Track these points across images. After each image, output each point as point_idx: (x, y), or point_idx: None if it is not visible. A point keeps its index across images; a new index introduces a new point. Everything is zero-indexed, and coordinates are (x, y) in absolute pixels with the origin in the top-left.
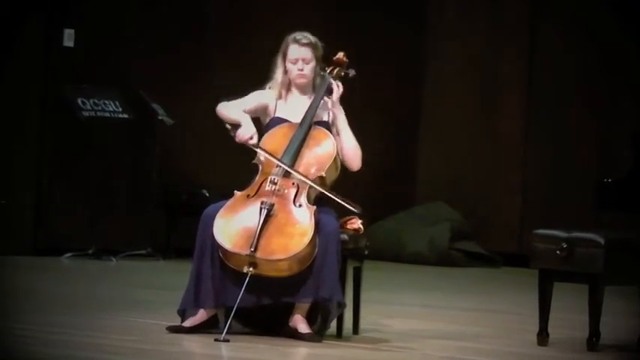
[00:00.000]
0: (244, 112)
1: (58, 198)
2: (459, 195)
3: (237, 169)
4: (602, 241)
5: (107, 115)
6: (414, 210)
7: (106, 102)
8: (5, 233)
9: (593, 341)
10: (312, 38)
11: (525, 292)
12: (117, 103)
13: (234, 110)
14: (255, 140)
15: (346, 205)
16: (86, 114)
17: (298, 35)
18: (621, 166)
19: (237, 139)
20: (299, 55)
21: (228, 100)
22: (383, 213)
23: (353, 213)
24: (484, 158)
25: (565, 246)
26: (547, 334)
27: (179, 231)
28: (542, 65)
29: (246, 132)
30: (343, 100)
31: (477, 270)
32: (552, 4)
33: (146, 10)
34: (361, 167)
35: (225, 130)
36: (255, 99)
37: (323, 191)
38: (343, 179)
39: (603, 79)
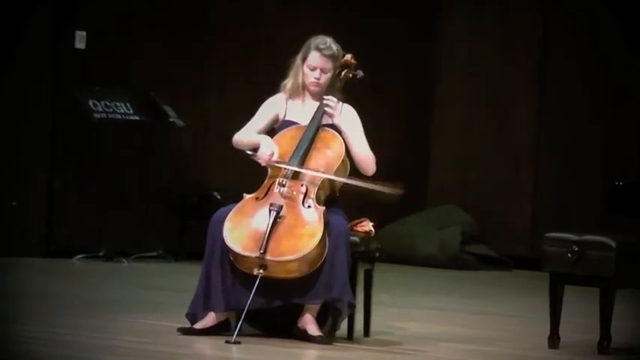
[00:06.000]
0: (259, 131)
1: (70, 200)
2: (470, 198)
3: (248, 171)
4: (613, 244)
5: (118, 116)
6: (425, 213)
7: (118, 104)
8: (16, 235)
9: (604, 345)
10: (335, 48)
11: (536, 295)
12: (128, 105)
13: (247, 135)
14: (276, 156)
15: (385, 190)
16: (97, 116)
17: (322, 44)
18: (632, 171)
19: (261, 162)
20: (318, 65)
21: (239, 129)
22: (395, 216)
23: (394, 195)
24: (495, 162)
25: (576, 249)
26: (558, 338)
27: (191, 233)
28: (552, 70)
29: (267, 150)
30: (356, 104)
31: (488, 273)
32: (563, 11)
33: (157, 13)
34: (375, 171)
35: (247, 156)
36: (263, 115)
37: (348, 181)
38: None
39: (613, 85)
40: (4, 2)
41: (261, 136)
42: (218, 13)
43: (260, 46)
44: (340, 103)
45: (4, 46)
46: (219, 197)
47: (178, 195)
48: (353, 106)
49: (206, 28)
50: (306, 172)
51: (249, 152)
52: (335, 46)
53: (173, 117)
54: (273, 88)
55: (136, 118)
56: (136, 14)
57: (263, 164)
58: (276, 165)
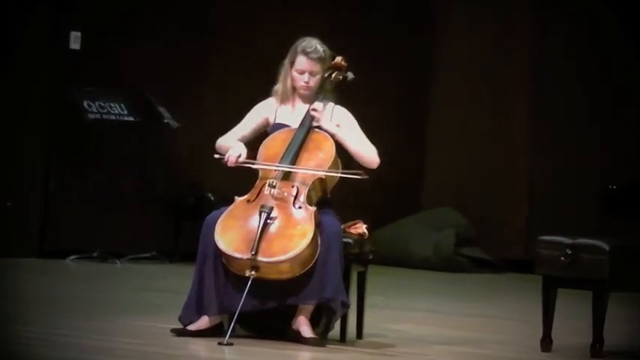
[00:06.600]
0: (243, 136)
1: (64, 200)
2: (465, 201)
3: (245, 172)
4: (606, 247)
5: (113, 117)
6: (419, 215)
7: (112, 105)
8: (11, 235)
9: (596, 348)
10: (321, 49)
11: (530, 298)
12: (123, 105)
13: (227, 140)
14: (244, 157)
15: (349, 175)
16: (92, 116)
17: (308, 48)
18: (628, 173)
19: (228, 164)
20: (306, 68)
21: (225, 133)
22: (389, 218)
23: (359, 179)
24: (491, 164)
25: (569, 252)
26: (551, 341)
27: (185, 234)
28: (548, 72)
29: (234, 152)
30: (353, 105)
31: (482, 276)
32: (563, 11)
33: (153, 14)
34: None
35: (218, 161)
36: (251, 121)
37: (323, 173)
38: (351, 184)
39: (609, 86)
40: (3, 2)
41: (233, 142)
42: (218, 13)
43: (260, 46)
44: (332, 105)
45: (3, 47)
46: (212, 199)
47: (174, 196)
48: (351, 106)
49: (206, 28)
50: (278, 169)
51: (217, 156)
52: (321, 48)
53: (167, 118)
54: (272, 89)
55: (131, 119)
56: (135, 14)
57: (230, 165)
58: (244, 166)
